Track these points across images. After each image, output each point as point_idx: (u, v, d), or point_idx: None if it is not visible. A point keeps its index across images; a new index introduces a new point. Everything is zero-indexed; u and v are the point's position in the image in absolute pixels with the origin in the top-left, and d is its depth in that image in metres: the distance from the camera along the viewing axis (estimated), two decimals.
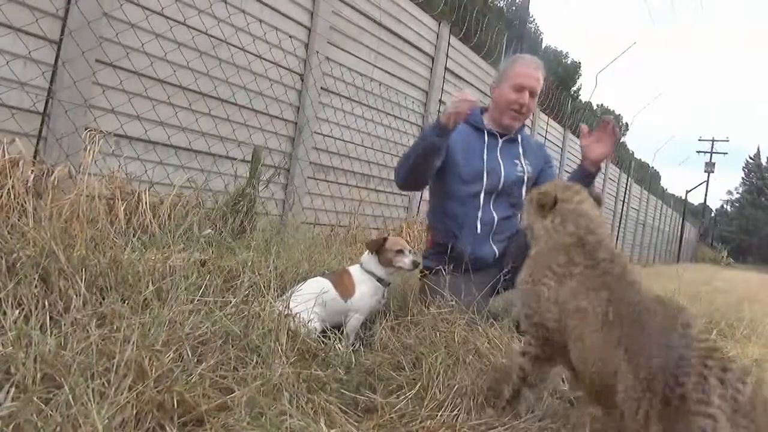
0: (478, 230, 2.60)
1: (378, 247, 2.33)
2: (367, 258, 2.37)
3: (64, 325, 1.54)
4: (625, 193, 14.48)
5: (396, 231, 5.42)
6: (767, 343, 3.18)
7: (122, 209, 2.78)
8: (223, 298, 1.92)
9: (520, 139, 2.76)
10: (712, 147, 37.58)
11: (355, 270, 2.35)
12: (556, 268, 1.54)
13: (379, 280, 2.32)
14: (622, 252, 1.49)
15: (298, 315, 2.00)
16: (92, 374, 1.31)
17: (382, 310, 2.37)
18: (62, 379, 1.28)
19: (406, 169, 2.48)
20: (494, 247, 2.63)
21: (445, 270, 2.38)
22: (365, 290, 2.28)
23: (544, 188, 1.71)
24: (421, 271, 2.67)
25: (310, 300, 2.11)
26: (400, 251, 2.32)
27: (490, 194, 2.63)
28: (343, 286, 2.27)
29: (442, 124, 2.31)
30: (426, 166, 2.46)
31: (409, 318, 2.22)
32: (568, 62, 30.75)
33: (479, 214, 2.61)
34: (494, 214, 2.63)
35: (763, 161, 48.35)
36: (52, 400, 1.23)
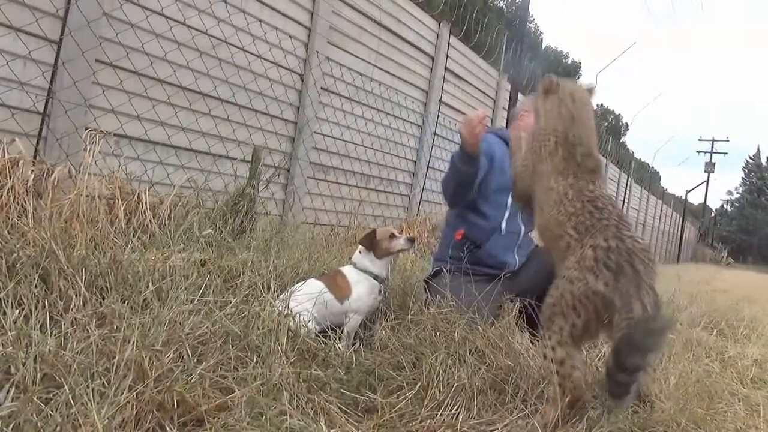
0: (503, 234, 2.65)
1: (371, 241, 2.31)
2: (360, 257, 2.34)
3: (64, 325, 1.54)
4: (625, 193, 14.48)
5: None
6: (767, 343, 3.18)
7: (122, 209, 2.78)
8: (223, 298, 1.92)
9: None
10: (712, 147, 37.51)
11: (349, 270, 2.32)
12: (541, 150, 1.93)
13: (375, 277, 2.30)
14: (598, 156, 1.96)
15: (297, 315, 2.00)
16: (92, 374, 1.31)
17: (382, 309, 2.37)
18: (62, 379, 1.28)
19: (450, 193, 2.59)
20: (516, 258, 2.68)
21: (464, 269, 2.44)
22: (362, 290, 2.26)
23: (550, 77, 2.06)
24: (432, 275, 2.67)
25: (304, 302, 2.11)
26: (392, 235, 2.33)
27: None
28: (338, 287, 2.24)
29: (467, 152, 2.39)
30: (468, 188, 2.57)
31: (409, 317, 2.22)
32: (569, 62, 30.75)
33: (507, 220, 2.68)
34: (521, 226, 2.69)
35: (763, 161, 48.25)
36: (52, 400, 1.23)
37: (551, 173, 1.88)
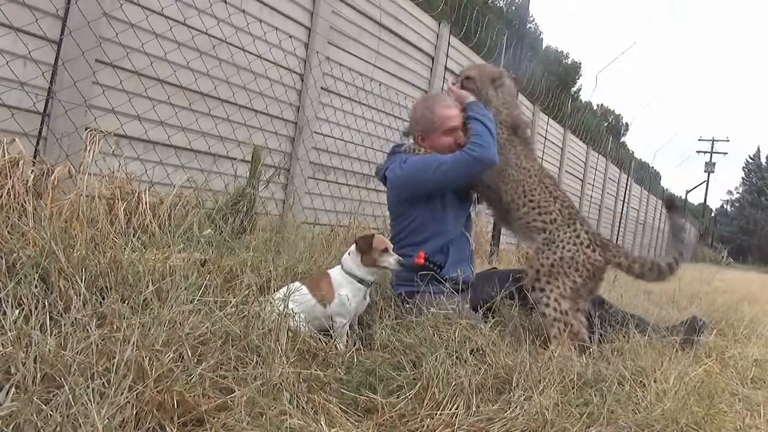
0: (467, 252, 2.71)
1: (367, 245, 2.24)
2: (348, 258, 2.27)
3: (64, 325, 1.54)
4: (625, 193, 14.47)
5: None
6: (767, 343, 3.18)
7: (122, 209, 2.77)
8: (223, 298, 1.92)
9: None
10: (712, 147, 37.52)
11: (335, 273, 2.27)
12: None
13: (360, 281, 2.24)
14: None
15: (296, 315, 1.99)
16: (92, 374, 1.31)
17: (383, 308, 2.36)
18: (62, 379, 1.28)
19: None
20: (471, 269, 2.71)
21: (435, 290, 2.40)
22: (346, 294, 2.20)
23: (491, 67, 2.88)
24: (405, 300, 2.52)
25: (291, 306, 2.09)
26: (386, 250, 2.23)
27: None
28: (322, 291, 2.19)
29: None
30: None
31: (413, 317, 2.21)
32: (569, 62, 30.72)
33: (468, 236, 2.75)
34: (470, 238, 2.77)
35: (763, 161, 48.21)
36: (52, 400, 1.23)
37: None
